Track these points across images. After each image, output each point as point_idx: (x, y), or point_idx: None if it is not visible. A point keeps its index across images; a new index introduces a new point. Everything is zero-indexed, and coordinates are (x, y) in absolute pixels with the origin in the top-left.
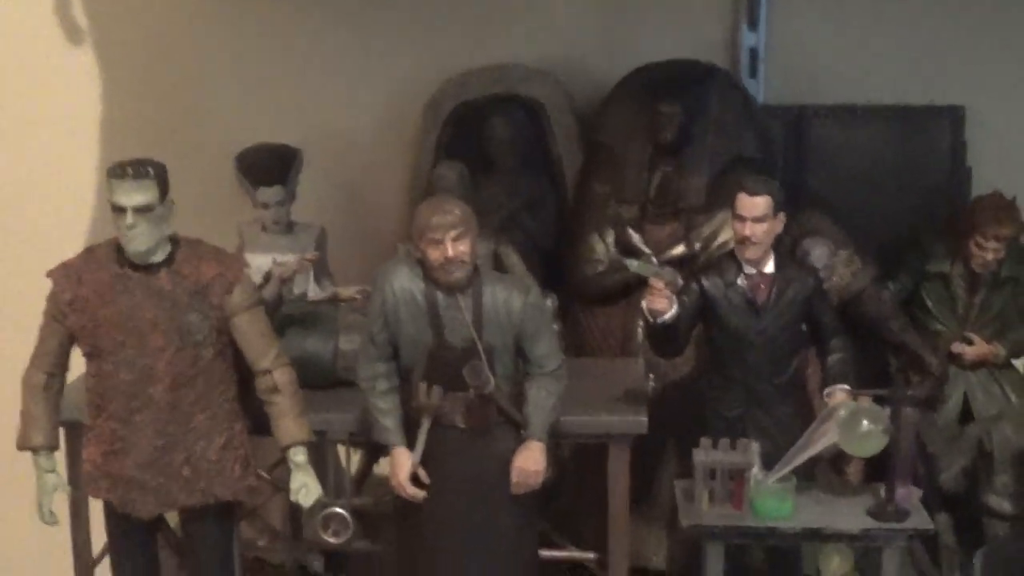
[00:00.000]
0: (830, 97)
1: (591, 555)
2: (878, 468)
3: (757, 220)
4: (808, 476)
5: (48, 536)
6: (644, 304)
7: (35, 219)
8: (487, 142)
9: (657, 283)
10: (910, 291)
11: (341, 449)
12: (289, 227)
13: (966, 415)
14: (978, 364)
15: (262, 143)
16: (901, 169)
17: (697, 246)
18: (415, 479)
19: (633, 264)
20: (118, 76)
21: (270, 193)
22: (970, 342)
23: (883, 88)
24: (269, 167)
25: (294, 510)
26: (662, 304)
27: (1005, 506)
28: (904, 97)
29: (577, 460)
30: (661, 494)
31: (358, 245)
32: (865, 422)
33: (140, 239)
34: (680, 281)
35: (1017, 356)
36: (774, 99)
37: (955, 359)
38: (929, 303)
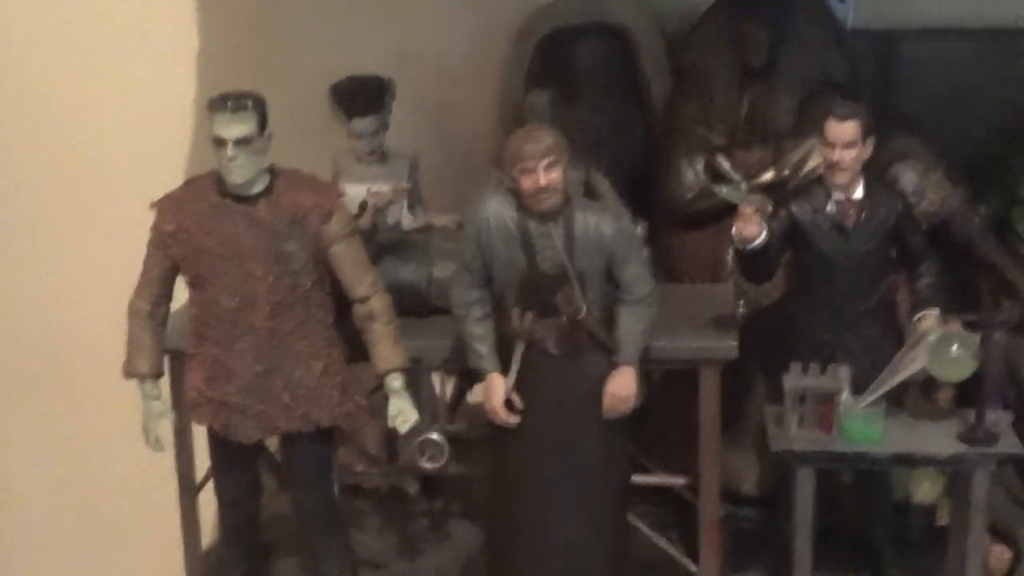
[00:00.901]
0: (919, 20)
1: (681, 479)
2: (970, 394)
3: (846, 146)
4: (898, 401)
5: (153, 462)
6: (734, 230)
7: (133, 152)
8: (575, 68)
9: (747, 209)
10: (1000, 215)
11: (435, 377)
12: (383, 157)
13: None
14: None
15: (354, 74)
16: (991, 91)
17: (786, 171)
18: (509, 404)
19: (723, 190)
20: (210, 7)
21: (364, 123)
22: None
23: (972, 9)
24: (362, 97)
25: (390, 436)
26: (752, 230)
27: None
28: (993, 18)
29: (666, 385)
30: (751, 419)
31: (450, 173)
32: (955, 347)
33: (240, 170)
34: (770, 207)
35: None
36: (862, 22)
37: None
38: (1020, 227)
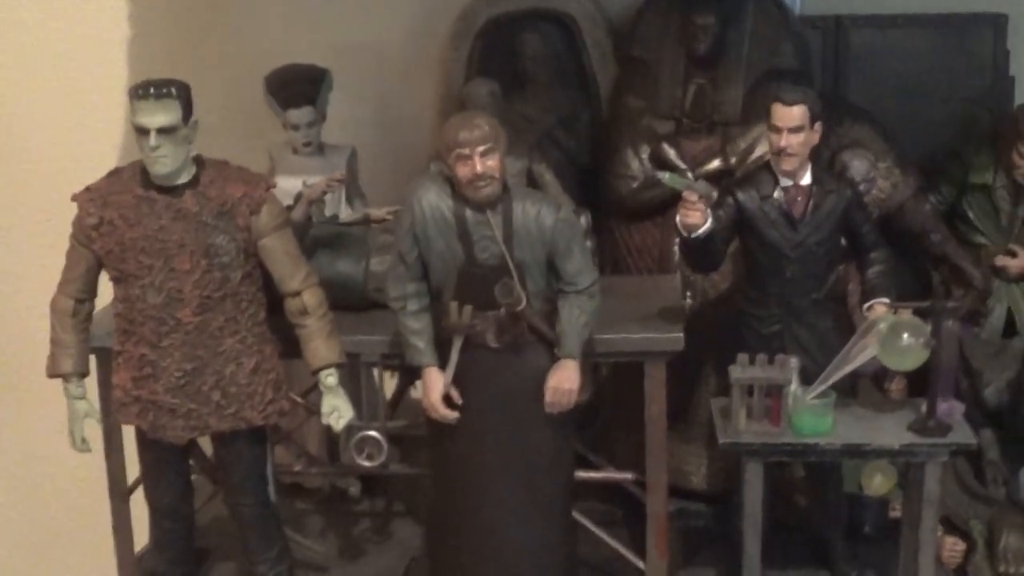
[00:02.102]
0: (868, 6)
1: (629, 475)
2: (922, 384)
3: (793, 131)
4: (851, 393)
5: (83, 464)
6: (678, 218)
7: (63, 143)
8: (519, 58)
9: (691, 196)
10: (951, 203)
11: (375, 372)
12: (320, 148)
13: (1009, 329)
14: (1022, 277)
15: (291, 64)
16: (942, 79)
17: (733, 160)
18: (447, 399)
19: (665, 176)
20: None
21: (300, 114)
22: (1014, 254)
23: None
24: (299, 88)
25: (330, 435)
26: (696, 218)
27: None
28: (945, 5)
29: (615, 379)
30: (700, 413)
31: (390, 164)
32: (906, 336)
33: (164, 161)
34: (714, 194)
35: None
36: (811, 9)
37: (998, 272)
38: (971, 215)
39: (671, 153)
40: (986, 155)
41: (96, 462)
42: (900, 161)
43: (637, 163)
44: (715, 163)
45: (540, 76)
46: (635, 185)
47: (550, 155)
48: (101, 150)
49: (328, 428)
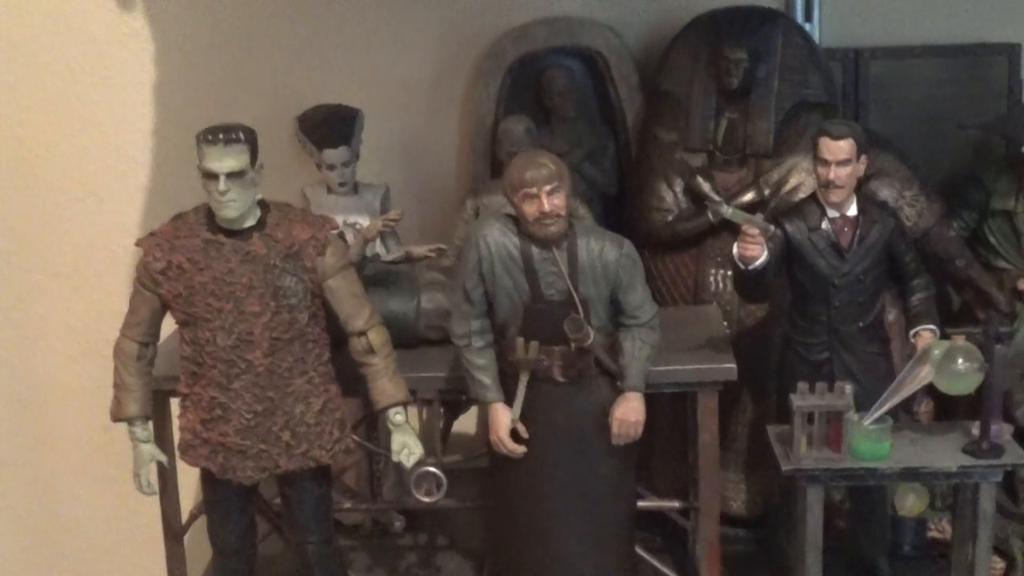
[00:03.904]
0: (885, 38)
1: (676, 503)
2: (949, 407)
3: (841, 163)
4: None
5: (133, 505)
6: (736, 251)
7: (83, 182)
8: (547, 93)
9: (751, 230)
10: (973, 229)
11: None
12: (355, 188)
13: None
14: None
15: (323, 104)
16: (957, 108)
17: (766, 192)
18: (514, 434)
19: (728, 212)
20: (169, 40)
21: (336, 154)
22: None
23: (938, 27)
24: (333, 128)
25: (371, 471)
26: (755, 251)
27: None
28: (959, 36)
29: (649, 409)
30: (737, 439)
31: (418, 202)
32: (960, 360)
33: (233, 205)
34: (772, 228)
35: None
36: (829, 42)
37: (1020, 295)
38: (993, 240)
39: (706, 186)
40: (1007, 181)
41: (141, 500)
42: (924, 189)
43: (671, 196)
44: (749, 195)
45: (567, 111)
46: (670, 218)
47: (578, 189)
48: (126, 193)
49: (370, 464)
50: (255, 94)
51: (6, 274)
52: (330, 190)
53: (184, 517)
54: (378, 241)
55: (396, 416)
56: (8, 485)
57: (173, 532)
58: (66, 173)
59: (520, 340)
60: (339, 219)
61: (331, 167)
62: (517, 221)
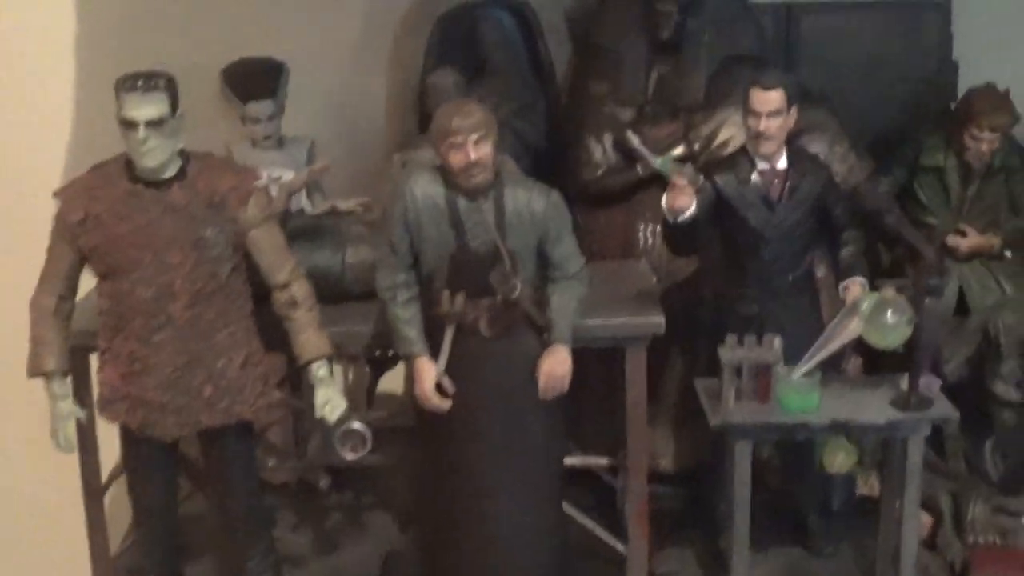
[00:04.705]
0: None
1: (604, 460)
2: (877, 363)
3: (771, 115)
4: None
5: (50, 463)
6: (665, 202)
7: (12, 138)
8: (476, 46)
9: (680, 181)
10: (903, 185)
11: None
12: (279, 142)
13: (960, 306)
14: (972, 256)
15: (247, 57)
16: (889, 64)
17: (697, 146)
18: (440, 389)
19: (658, 162)
20: None
21: (260, 107)
22: (964, 234)
23: None
24: (258, 81)
25: (296, 429)
26: (684, 202)
27: (1012, 394)
28: None
29: (578, 364)
30: (667, 395)
31: (345, 156)
32: (890, 313)
33: (153, 154)
34: (702, 179)
35: (1011, 247)
36: None
37: (949, 251)
38: (923, 196)
39: (635, 140)
40: (937, 137)
41: (60, 459)
42: (854, 145)
43: (601, 150)
44: (679, 149)
45: (498, 64)
46: (599, 172)
47: (508, 142)
48: (54, 145)
49: (295, 422)
50: (178, 46)
51: None
52: (255, 144)
53: (104, 476)
54: (303, 195)
55: (320, 370)
56: None
57: (92, 491)
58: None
59: (446, 292)
60: (264, 173)
61: (255, 120)
62: (445, 172)
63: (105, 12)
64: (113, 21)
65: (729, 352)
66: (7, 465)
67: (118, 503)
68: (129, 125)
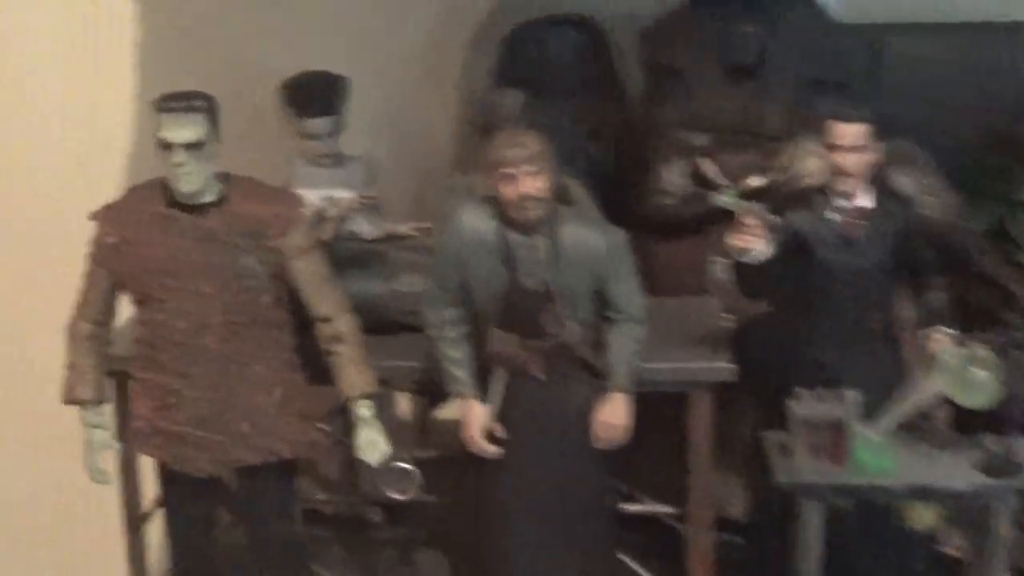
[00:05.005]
0: (906, 14)
1: (668, 508)
2: (968, 414)
3: (853, 149)
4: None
5: (94, 492)
6: (731, 242)
7: (62, 153)
8: (545, 65)
9: (748, 220)
10: (995, 222)
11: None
12: (338, 160)
13: None
14: None
15: (308, 71)
16: (983, 89)
17: (776, 177)
18: (489, 433)
19: (722, 199)
20: (153, 2)
21: (318, 124)
22: None
23: (960, 3)
24: (317, 96)
25: (351, 460)
26: (753, 243)
27: None
28: (981, 13)
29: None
30: (737, 440)
31: (407, 177)
32: (978, 370)
33: (189, 178)
34: (772, 217)
35: None
36: (849, 17)
37: None
38: (1017, 233)
39: (710, 169)
40: None
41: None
42: (942, 177)
43: (673, 178)
44: (757, 180)
45: (566, 84)
46: (670, 201)
47: (577, 167)
48: (106, 163)
49: (348, 454)
50: (237, 60)
51: None
52: (312, 162)
53: (146, 505)
54: (361, 217)
55: (363, 409)
56: None
57: (133, 521)
58: (43, 144)
59: (496, 333)
60: (320, 193)
61: (314, 137)
62: (497, 204)
63: (164, 25)
64: (171, 33)
65: (800, 406)
66: (47, 486)
67: (159, 533)
68: (166, 147)
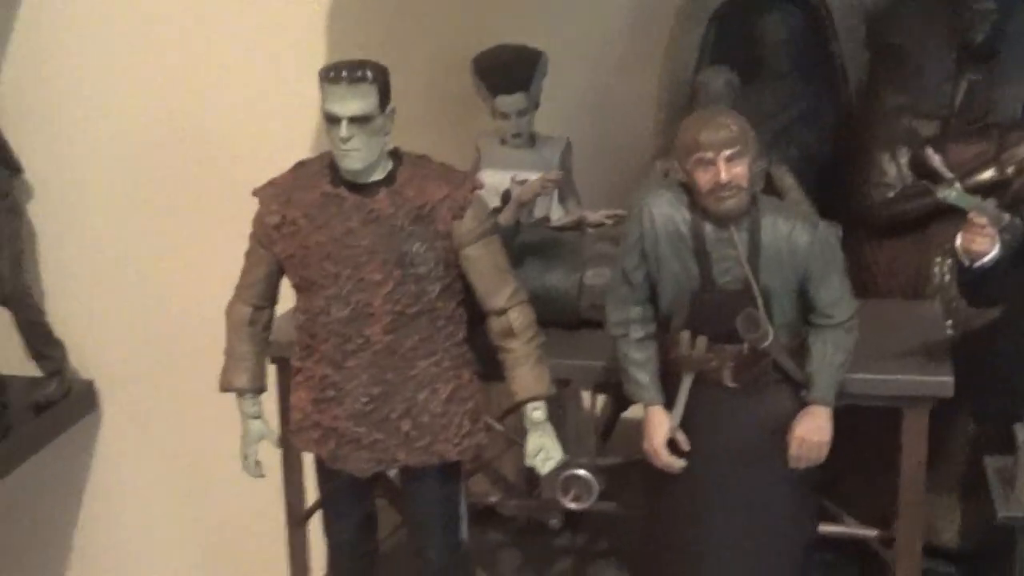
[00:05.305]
0: None
1: (873, 532)
2: None
3: None
4: None
5: (255, 486)
6: (959, 243)
7: (245, 127)
8: (758, 44)
9: (979, 219)
10: None
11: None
12: (531, 140)
13: None
14: None
15: (502, 44)
16: None
17: (1009, 170)
18: (672, 444)
19: (950, 195)
20: None
21: (511, 101)
22: None
23: None
24: (510, 72)
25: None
26: (983, 245)
27: None
28: None
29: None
30: (953, 460)
31: (606, 160)
32: None
33: (356, 154)
34: (1006, 217)
35: None
36: None
37: None
38: None
39: (936, 159)
40: None
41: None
42: None
43: (894, 169)
44: (988, 172)
45: (780, 65)
46: (891, 195)
47: (788, 154)
48: (289, 138)
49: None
50: (429, 33)
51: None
52: (504, 141)
53: (310, 502)
54: (555, 201)
55: (534, 412)
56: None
57: (295, 517)
58: (226, 117)
59: (685, 335)
60: (510, 174)
61: (505, 115)
62: (691, 192)
63: None
64: (360, 3)
65: None
66: (207, 484)
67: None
68: (332, 120)
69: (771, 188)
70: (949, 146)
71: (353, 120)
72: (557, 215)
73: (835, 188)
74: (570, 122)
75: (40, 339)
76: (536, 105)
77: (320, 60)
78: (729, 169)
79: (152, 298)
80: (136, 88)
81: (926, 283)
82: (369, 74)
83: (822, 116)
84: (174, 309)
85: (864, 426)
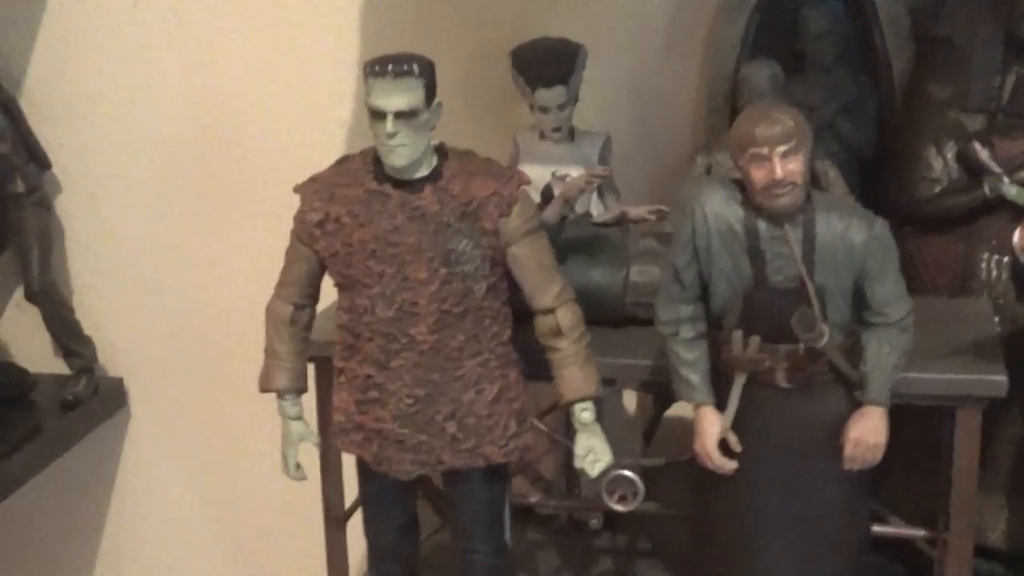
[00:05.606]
0: None
1: (921, 532)
2: None
3: None
4: None
5: (287, 485)
6: (1016, 239)
7: (282, 121)
8: (800, 36)
9: None
10: None
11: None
12: (570, 134)
13: None
14: None
15: (541, 37)
16: None
17: None
18: (724, 445)
19: (1012, 190)
20: None
21: (550, 95)
22: None
23: None
24: (549, 64)
25: (570, 462)
26: None
27: None
28: None
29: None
30: (1001, 457)
31: (646, 155)
32: None
33: (402, 150)
34: None
35: None
36: None
37: None
38: None
39: (984, 154)
40: None
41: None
42: None
43: (941, 163)
44: None
45: (823, 57)
46: (938, 189)
47: (831, 148)
48: (321, 133)
49: (567, 455)
50: (469, 25)
51: (203, 225)
52: (543, 136)
53: (348, 502)
54: (595, 196)
55: (583, 413)
56: (179, 445)
57: (334, 518)
58: (263, 110)
59: (738, 334)
60: (550, 169)
61: (544, 109)
62: (744, 189)
63: None
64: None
65: None
66: (237, 482)
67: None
68: (377, 115)
69: (815, 183)
70: (996, 140)
71: (399, 115)
72: (597, 211)
73: (879, 182)
74: (609, 116)
75: (69, 336)
76: (576, 99)
77: (353, 54)
78: (784, 165)
79: (181, 295)
80: (164, 84)
81: (972, 279)
82: (415, 68)
83: (866, 109)
84: (203, 306)
85: (908, 425)
